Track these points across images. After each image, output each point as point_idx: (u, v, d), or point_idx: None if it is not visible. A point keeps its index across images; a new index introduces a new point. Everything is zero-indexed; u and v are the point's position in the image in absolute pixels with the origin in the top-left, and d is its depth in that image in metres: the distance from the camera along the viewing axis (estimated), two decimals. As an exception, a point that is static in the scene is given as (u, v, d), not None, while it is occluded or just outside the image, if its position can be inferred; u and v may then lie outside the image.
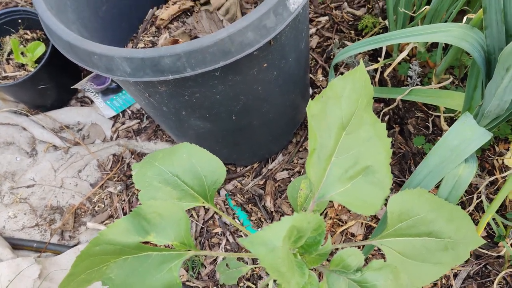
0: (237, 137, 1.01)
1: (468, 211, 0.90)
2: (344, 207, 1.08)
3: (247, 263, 1.04)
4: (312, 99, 0.54)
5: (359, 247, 0.55)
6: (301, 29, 0.82)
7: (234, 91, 0.79)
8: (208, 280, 1.08)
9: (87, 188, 1.23)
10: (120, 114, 1.32)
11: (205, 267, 1.09)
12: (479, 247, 0.89)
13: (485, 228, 0.90)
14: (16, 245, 1.11)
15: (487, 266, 0.88)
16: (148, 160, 0.65)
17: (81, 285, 0.51)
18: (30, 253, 1.12)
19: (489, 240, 0.89)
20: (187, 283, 1.07)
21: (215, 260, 1.11)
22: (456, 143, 0.59)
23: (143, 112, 1.33)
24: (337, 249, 0.93)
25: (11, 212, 1.17)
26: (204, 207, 1.19)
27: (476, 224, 0.69)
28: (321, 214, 1.09)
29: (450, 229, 0.56)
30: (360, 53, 1.23)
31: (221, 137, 0.99)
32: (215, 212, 1.16)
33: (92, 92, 1.30)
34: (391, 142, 1.08)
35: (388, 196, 0.56)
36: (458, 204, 0.95)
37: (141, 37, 1.06)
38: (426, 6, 0.85)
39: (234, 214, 1.14)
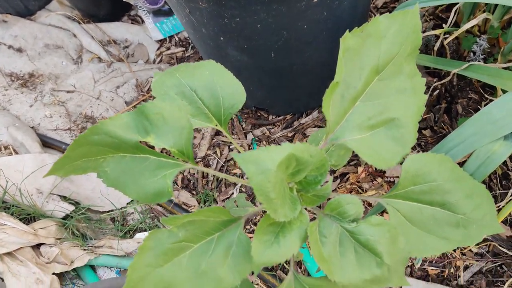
0: (274, 79, 0.97)
1: (499, 206, 0.83)
2: (368, 175, 1.03)
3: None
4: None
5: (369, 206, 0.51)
6: (362, -29, 0.75)
7: (276, 23, 0.75)
8: (216, 216, 1.08)
9: (121, 104, 1.25)
10: (167, 39, 1.32)
11: (217, 203, 1.09)
12: (500, 245, 0.82)
13: (511, 227, 0.83)
14: (47, 143, 1.16)
15: (503, 266, 0.82)
16: (170, 71, 0.63)
17: (76, 171, 0.51)
18: (58, 154, 1.17)
19: (513, 241, 0.83)
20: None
21: (228, 198, 1.11)
22: (500, 116, 0.53)
23: (190, 41, 1.32)
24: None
25: (48, 112, 1.21)
26: (229, 146, 1.18)
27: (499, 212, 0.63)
28: (342, 178, 1.05)
29: (467, 206, 0.51)
30: (427, 19, 1.13)
31: (257, 76, 0.96)
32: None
33: (144, 10, 1.29)
34: (435, 120, 1.01)
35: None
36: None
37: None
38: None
39: (255, 158, 1.12)
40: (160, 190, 0.52)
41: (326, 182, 0.49)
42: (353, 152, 0.55)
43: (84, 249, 0.92)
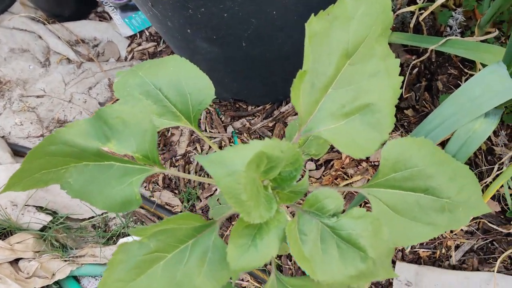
0: (248, 69, 0.94)
1: (486, 182, 0.81)
2: (352, 160, 1.01)
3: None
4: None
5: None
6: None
7: (244, 11, 0.71)
8: (202, 214, 1.06)
9: (95, 106, 1.21)
10: (138, 34, 1.27)
11: (201, 201, 1.07)
12: (489, 222, 0.81)
13: (499, 203, 0.82)
14: (19, 152, 1.11)
15: (494, 242, 0.80)
16: (133, 69, 0.59)
17: (37, 185, 0.47)
18: (33, 161, 1.12)
19: (502, 216, 0.81)
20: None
21: (211, 195, 1.08)
22: (478, 93, 0.51)
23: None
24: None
25: (18, 119, 1.16)
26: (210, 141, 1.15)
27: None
28: (326, 165, 1.03)
29: (451, 189, 0.49)
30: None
31: (230, 67, 0.92)
32: (220, 148, 1.12)
33: (111, 6, 1.24)
34: (416, 98, 0.99)
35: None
36: (475, 173, 0.86)
37: None
38: None
39: (236, 152, 1.09)
40: (127, 198, 0.48)
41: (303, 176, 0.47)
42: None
43: (65, 260, 0.89)
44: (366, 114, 0.48)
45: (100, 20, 1.30)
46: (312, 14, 0.46)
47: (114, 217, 1.03)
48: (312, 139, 0.68)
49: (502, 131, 0.83)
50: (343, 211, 0.48)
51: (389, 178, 0.49)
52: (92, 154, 0.47)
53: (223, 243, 0.46)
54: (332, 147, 1.04)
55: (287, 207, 0.51)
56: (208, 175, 1.10)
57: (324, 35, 0.47)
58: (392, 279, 0.84)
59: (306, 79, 0.47)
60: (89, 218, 1.01)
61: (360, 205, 0.85)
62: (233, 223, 1.06)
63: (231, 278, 0.46)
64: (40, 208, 0.98)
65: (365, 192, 0.50)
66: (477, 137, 0.51)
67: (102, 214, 1.02)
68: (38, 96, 1.20)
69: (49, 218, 0.94)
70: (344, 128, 0.48)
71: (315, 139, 0.68)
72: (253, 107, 1.15)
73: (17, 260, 0.89)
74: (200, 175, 1.11)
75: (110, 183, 0.49)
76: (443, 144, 0.75)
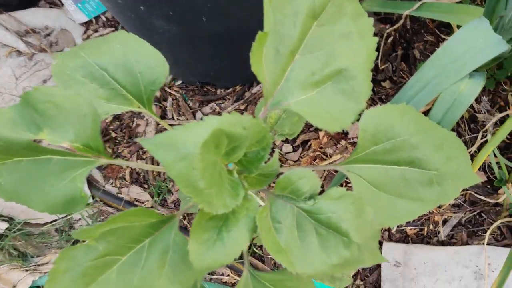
0: (212, 48, 0.86)
1: (470, 152, 0.77)
2: (331, 139, 0.96)
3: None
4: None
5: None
6: None
7: (199, -20, 0.64)
8: (174, 208, 0.99)
9: (53, 100, 1.12)
10: (93, 20, 1.18)
11: (172, 194, 1.00)
12: (476, 193, 0.77)
13: (485, 172, 0.78)
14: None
15: (482, 214, 0.77)
16: (73, 50, 0.52)
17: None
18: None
19: (489, 186, 0.78)
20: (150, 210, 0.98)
21: (184, 187, 1.02)
22: (461, 51, 0.45)
23: (119, 20, 1.18)
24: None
25: (-32, 119, 1.07)
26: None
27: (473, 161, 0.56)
28: (304, 146, 0.98)
29: (438, 159, 0.44)
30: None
31: (193, 46, 0.85)
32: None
33: (61, -9, 1.14)
34: (393, 69, 0.94)
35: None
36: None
37: None
38: None
39: (207, 139, 1.03)
40: (71, 196, 0.42)
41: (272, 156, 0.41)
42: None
43: (26, 270, 0.81)
44: (339, 82, 0.43)
45: (50, 7, 1.20)
46: None
47: (79, 219, 0.95)
48: (285, 117, 0.62)
49: (484, 96, 0.79)
50: (321, 192, 0.42)
51: (369, 152, 0.44)
52: (23, 147, 0.40)
53: (185, 240, 0.40)
54: (308, 127, 0.98)
55: (264, 194, 0.45)
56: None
57: (286, -7, 0.41)
58: (379, 260, 0.80)
59: (268, 45, 0.41)
60: (51, 222, 0.93)
61: (341, 185, 0.80)
62: (209, 214, 1.00)
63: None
64: (-5, 215, 0.89)
65: (344, 169, 0.45)
66: (464, 99, 0.46)
67: (65, 216, 0.94)
68: (-13, 94, 1.10)
69: (5, 225, 0.86)
70: (315, 98, 0.42)
71: (288, 117, 0.62)
72: (222, 90, 1.08)
73: (-29, 274, 0.81)
74: (171, 167, 1.04)
75: (49, 180, 0.42)
76: (425, 114, 0.70)
